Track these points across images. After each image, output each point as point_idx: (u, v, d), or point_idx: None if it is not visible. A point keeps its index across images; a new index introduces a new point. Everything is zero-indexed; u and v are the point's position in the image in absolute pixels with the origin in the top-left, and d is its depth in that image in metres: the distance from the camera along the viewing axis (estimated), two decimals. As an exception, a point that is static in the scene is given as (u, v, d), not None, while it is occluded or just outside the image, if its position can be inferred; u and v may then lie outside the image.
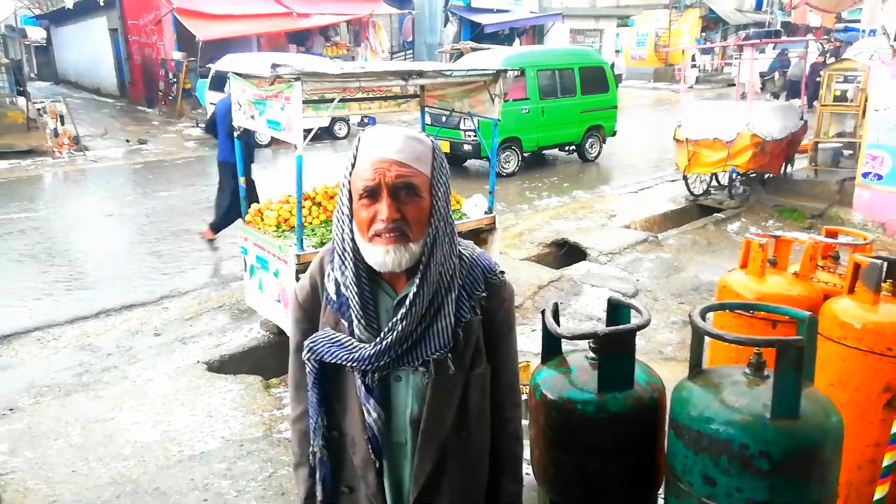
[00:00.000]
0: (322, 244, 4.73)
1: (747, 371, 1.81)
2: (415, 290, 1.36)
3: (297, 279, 4.52)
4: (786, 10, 31.00)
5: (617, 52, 24.46)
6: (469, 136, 10.71)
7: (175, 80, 18.09)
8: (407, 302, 1.36)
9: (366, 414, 1.43)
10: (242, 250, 5.27)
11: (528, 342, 4.96)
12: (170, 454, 3.73)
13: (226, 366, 4.90)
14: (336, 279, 1.43)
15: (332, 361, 1.42)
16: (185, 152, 14.05)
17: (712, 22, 31.70)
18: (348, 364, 1.40)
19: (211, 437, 3.89)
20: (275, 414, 4.14)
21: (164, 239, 7.95)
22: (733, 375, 1.84)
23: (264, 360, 5.10)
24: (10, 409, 4.22)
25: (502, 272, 1.50)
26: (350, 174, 1.38)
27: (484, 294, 1.46)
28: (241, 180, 5.33)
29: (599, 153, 12.66)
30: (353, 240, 1.39)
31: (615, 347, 1.88)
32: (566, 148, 12.47)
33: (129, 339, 5.23)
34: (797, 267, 3.37)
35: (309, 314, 1.51)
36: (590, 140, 12.42)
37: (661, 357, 4.89)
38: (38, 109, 13.92)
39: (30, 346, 5.14)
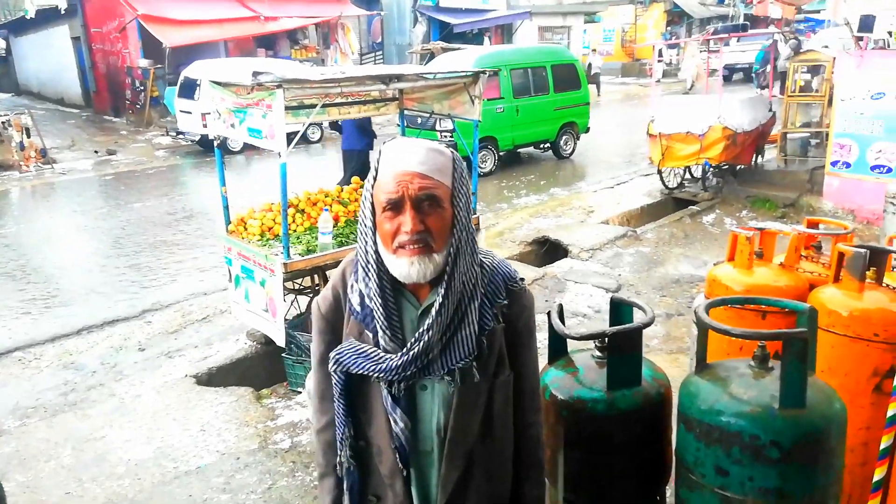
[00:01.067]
0: (308, 251, 4.71)
1: (752, 364, 1.86)
2: (440, 299, 1.38)
3: (285, 288, 4.55)
4: (747, 2, 31.59)
5: (593, 50, 24.66)
6: (445, 136, 10.73)
7: (142, 87, 17.79)
8: (433, 312, 1.38)
9: (392, 424, 1.44)
10: (227, 261, 5.21)
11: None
12: (165, 471, 3.69)
13: (214, 378, 4.85)
14: (360, 290, 1.45)
15: (359, 373, 1.43)
16: (156, 161, 13.84)
17: (677, 16, 32.18)
18: (375, 375, 1.41)
19: (206, 451, 3.85)
20: (268, 425, 4.11)
21: (141, 251, 7.83)
22: (739, 368, 1.89)
23: (253, 370, 5.07)
24: (-4, 433, 4.13)
25: (522, 279, 1.53)
26: (372, 187, 1.40)
27: (505, 302, 1.48)
28: (223, 189, 5.27)
29: (574, 150, 12.77)
30: (376, 252, 1.40)
31: (623, 346, 1.92)
32: (541, 146, 12.58)
33: (113, 356, 5.15)
34: (782, 258, 3.45)
35: (332, 325, 1.52)
36: (564, 137, 12.51)
37: (647, 350, 4.93)
38: (3, 122, 13.59)
39: (11, 367, 5.03)
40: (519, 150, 12.52)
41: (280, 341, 4.65)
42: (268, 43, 20.36)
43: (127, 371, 4.90)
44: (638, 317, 2.13)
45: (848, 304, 2.80)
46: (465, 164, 1.47)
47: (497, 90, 11.22)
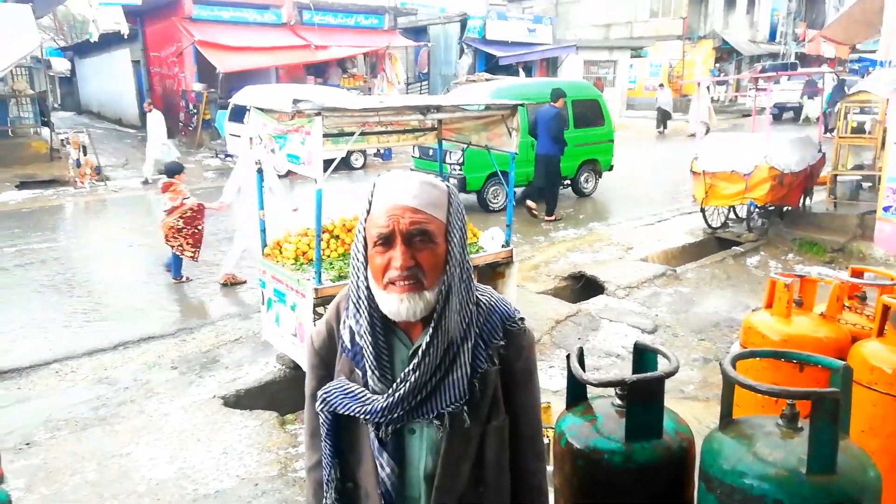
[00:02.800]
0: (340, 277, 4.73)
1: (780, 422, 1.76)
2: (428, 339, 1.33)
3: (315, 313, 4.57)
4: (800, 41, 31.11)
5: (661, 85, 23.97)
6: (455, 169, 10.53)
7: (195, 110, 18.41)
8: (420, 352, 1.33)
9: (379, 468, 1.40)
10: (261, 283, 5.28)
11: (546, 380, 4.90)
12: (185, 492, 3.70)
13: (242, 400, 4.88)
14: (351, 327, 1.41)
15: (345, 413, 1.39)
16: (204, 182, 14.22)
17: (726, 53, 31.85)
18: (361, 416, 1.37)
19: (226, 475, 3.85)
20: (290, 452, 4.10)
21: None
22: (766, 426, 1.79)
23: (280, 394, 5.08)
24: (27, 444, 4.21)
25: (521, 319, 1.46)
26: (365, 221, 1.36)
27: (502, 343, 1.41)
28: (261, 213, 5.36)
29: (595, 188, 12.31)
30: (367, 287, 1.36)
31: (643, 395, 1.84)
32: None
33: (146, 373, 5.23)
34: (823, 307, 3.31)
35: (325, 361, 1.48)
36: (584, 174, 12.02)
37: (681, 396, 4.80)
38: (62, 140, 14.21)
39: (48, 379, 5.16)
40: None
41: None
42: (318, 71, 20.91)
43: (158, 389, 4.96)
44: (663, 365, 2.05)
45: (892, 361, 2.67)
46: (460, 198, 1.43)
47: None
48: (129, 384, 5.05)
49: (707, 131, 19.64)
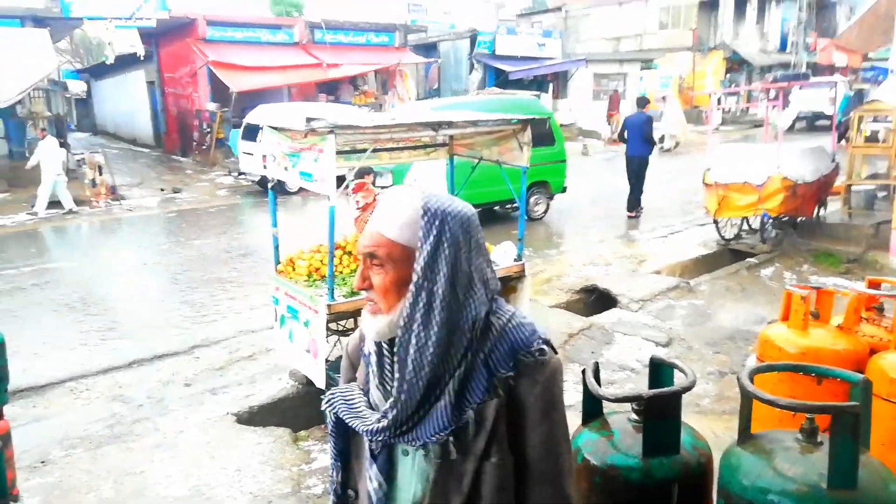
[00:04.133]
0: (353, 294, 4.73)
1: (800, 437, 1.74)
2: (397, 384, 1.28)
3: (328, 329, 4.57)
4: (811, 50, 31.00)
5: (663, 98, 23.82)
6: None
7: (209, 129, 18.63)
8: (391, 398, 1.29)
9: (368, 480, 1.38)
10: (273, 300, 5.30)
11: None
12: (200, 510, 3.69)
13: (255, 417, 4.88)
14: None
15: (343, 418, 1.39)
16: (218, 200, 14.36)
17: (736, 64, 31.77)
18: (354, 427, 1.37)
19: (240, 492, 3.85)
20: (303, 469, 4.09)
21: (196, 287, 8.05)
22: (785, 441, 1.77)
23: (293, 411, 5.07)
24: (42, 462, 4.23)
25: (542, 348, 1.30)
26: None
27: (510, 374, 1.28)
28: (274, 230, 5.39)
29: (546, 210, 11.53)
30: None
31: (660, 411, 1.82)
32: (506, 206, 11.16)
33: (160, 390, 5.25)
34: (840, 318, 3.27)
35: (354, 365, 1.50)
36: (534, 197, 11.13)
37: (697, 410, 4.74)
38: (78, 160, 14.40)
39: (63, 397, 5.19)
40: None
41: (320, 383, 4.66)
42: (329, 88, 21.11)
43: (172, 406, 4.98)
44: (679, 379, 2.03)
45: (912, 373, 2.62)
46: (460, 222, 1.28)
47: None
48: (143, 402, 5.06)
49: (676, 145, 19.34)
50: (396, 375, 1.28)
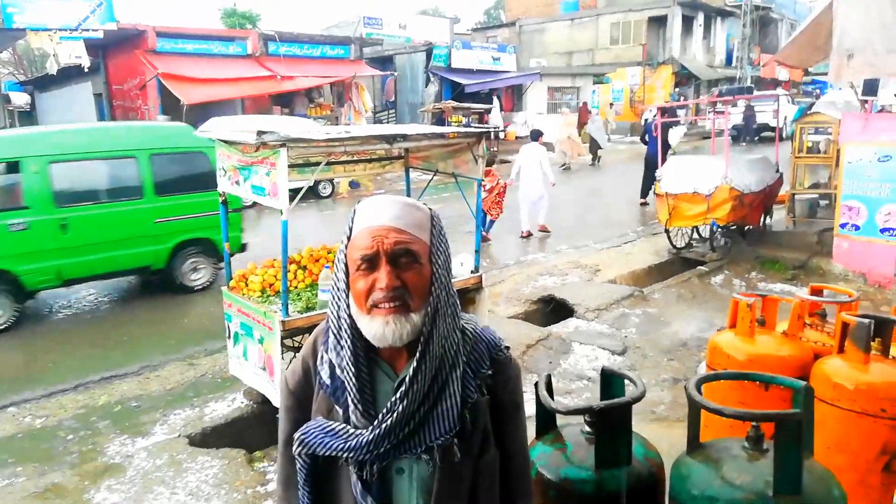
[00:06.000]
0: (308, 308, 4.67)
1: (746, 445, 1.78)
2: (416, 364, 1.26)
3: (283, 345, 4.49)
4: (755, 64, 32.16)
5: (588, 111, 23.97)
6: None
7: (159, 143, 18.19)
8: (407, 379, 1.26)
9: None
10: (226, 317, 5.18)
11: (518, 405, 4.87)
12: (149, 537, 3.56)
13: (208, 438, 4.75)
14: (330, 361, 1.33)
15: (326, 454, 1.29)
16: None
17: (685, 77, 32.75)
18: (344, 455, 1.27)
19: (193, 516, 3.73)
20: (258, 490, 3.99)
21: (144, 304, 7.83)
22: (732, 449, 1.80)
23: (248, 430, 4.96)
24: (-18, 492, 4.04)
25: (507, 348, 1.42)
26: (346, 247, 1.32)
27: (490, 372, 1.36)
28: (226, 245, 5.29)
29: (212, 279, 8.32)
30: (349, 315, 1.30)
31: (611, 422, 1.84)
32: (139, 273, 8.22)
33: (108, 413, 5.07)
34: (785, 325, 3.37)
35: (301, 402, 1.39)
36: (189, 261, 8.17)
37: (653, 417, 4.82)
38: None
39: (5, 423, 4.96)
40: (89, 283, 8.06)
41: (276, 401, 4.57)
42: (284, 101, 20.90)
43: (120, 429, 4.81)
44: (630, 390, 2.05)
45: (853, 377, 2.71)
46: (442, 221, 1.38)
47: (13, 196, 7.03)
48: (89, 425, 4.88)
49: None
50: (412, 367, 1.27)
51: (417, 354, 1.27)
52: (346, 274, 1.31)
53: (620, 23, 32.93)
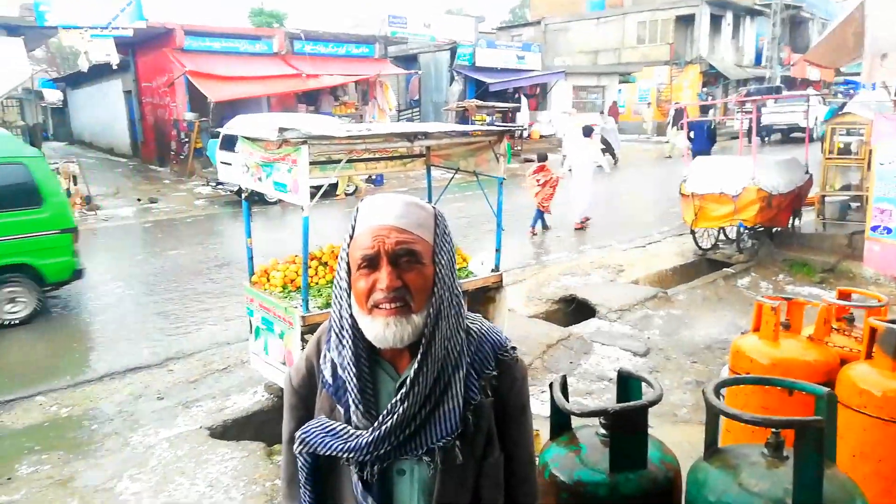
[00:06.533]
0: (328, 305, 4.68)
1: (765, 451, 1.74)
2: (416, 366, 1.25)
3: (303, 341, 4.52)
4: (785, 64, 31.55)
5: (601, 112, 23.48)
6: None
7: (187, 139, 18.46)
8: (408, 380, 1.25)
9: None
10: (248, 312, 5.23)
11: (537, 406, 4.84)
12: (169, 528, 3.61)
13: (229, 431, 4.81)
14: (332, 360, 1.32)
15: (327, 453, 1.29)
16: (195, 210, 14.21)
17: (713, 77, 32.24)
18: (344, 455, 1.27)
19: (211, 509, 3.77)
20: (276, 483, 4.02)
21: (171, 298, 7.94)
22: (751, 456, 1.76)
23: (268, 424, 5.00)
24: (8, 479, 4.12)
25: (514, 348, 1.39)
26: (348, 246, 1.30)
27: (495, 373, 1.34)
28: (248, 241, 5.34)
29: (35, 313, 7.05)
30: (351, 315, 1.29)
31: (626, 425, 1.81)
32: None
33: (132, 404, 5.15)
34: (811, 329, 3.30)
35: (304, 400, 1.39)
36: (7, 289, 6.83)
37: (675, 419, 4.76)
38: (52, 170, 14.14)
39: (32, 411, 5.07)
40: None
41: (294, 397, 4.59)
42: (310, 99, 21.06)
43: (143, 420, 4.89)
44: (647, 392, 2.02)
45: (881, 384, 2.64)
46: (447, 220, 1.36)
47: None
48: (113, 415, 4.97)
49: (615, 160, 18.48)
50: (413, 369, 1.26)
51: (419, 356, 1.26)
52: (348, 273, 1.31)
53: (647, 22, 32.54)
